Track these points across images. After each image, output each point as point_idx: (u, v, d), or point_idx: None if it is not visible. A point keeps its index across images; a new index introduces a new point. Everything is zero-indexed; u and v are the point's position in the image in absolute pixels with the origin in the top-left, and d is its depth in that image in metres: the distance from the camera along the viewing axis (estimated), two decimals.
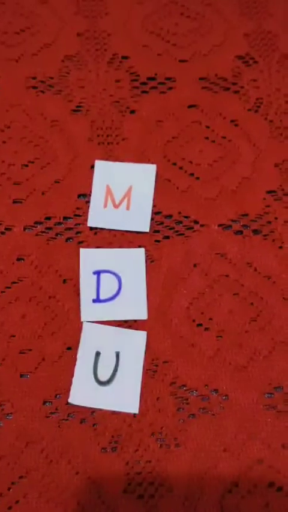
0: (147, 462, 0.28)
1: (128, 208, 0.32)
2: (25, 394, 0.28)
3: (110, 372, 0.29)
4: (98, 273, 0.30)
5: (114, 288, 0.30)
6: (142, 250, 0.31)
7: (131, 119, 0.35)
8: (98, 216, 0.32)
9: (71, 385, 0.29)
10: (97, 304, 0.30)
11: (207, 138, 0.35)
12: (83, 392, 0.28)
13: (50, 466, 0.27)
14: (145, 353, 0.29)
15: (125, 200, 0.32)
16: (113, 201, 0.32)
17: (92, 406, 0.28)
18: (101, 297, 0.30)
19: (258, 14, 0.39)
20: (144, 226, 0.32)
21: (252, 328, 0.30)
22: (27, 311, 0.30)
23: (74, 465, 0.27)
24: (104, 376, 0.29)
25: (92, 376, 0.29)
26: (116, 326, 0.30)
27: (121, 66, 0.37)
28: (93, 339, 0.29)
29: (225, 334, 0.30)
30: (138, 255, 0.31)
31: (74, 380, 0.29)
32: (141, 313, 0.30)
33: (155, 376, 0.29)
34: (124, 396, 0.28)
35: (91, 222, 0.32)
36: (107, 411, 0.28)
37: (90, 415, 0.28)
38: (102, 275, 0.30)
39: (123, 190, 0.32)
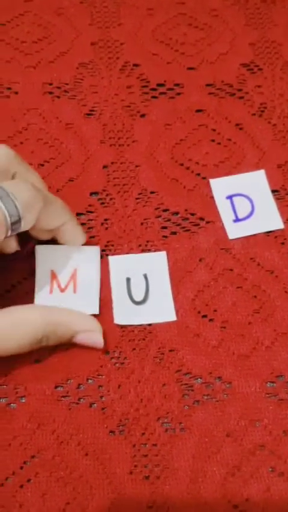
0: (153, 445, 0.29)
1: (74, 291, 0.31)
2: (38, 379, 0.30)
3: (143, 292, 0.31)
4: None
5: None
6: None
7: (141, 123, 0.37)
8: (44, 301, 0.31)
9: (81, 371, 0.30)
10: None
11: (213, 140, 0.37)
12: (124, 313, 0.31)
13: (60, 447, 0.29)
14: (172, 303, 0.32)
15: (71, 283, 0.31)
16: (59, 285, 0.31)
17: (134, 323, 0.31)
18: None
19: (263, 24, 0.41)
20: (94, 308, 0.31)
21: (255, 320, 0.32)
22: None
23: (83, 446, 0.29)
24: (138, 296, 0.32)
25: (128, 298, 0.31)
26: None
27: (132, 73, 0.39)
28: (121, 268, 0.32)
29: (228, 325, 0.32)
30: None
31: (114, 305, 0.31)
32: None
33: (161, 363, 0.31)
34: (161, 308, 0.31)
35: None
36: (115, 396, 0.30)
37: (99, 399, 0.30)
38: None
39: (67, 274, 0.31)
